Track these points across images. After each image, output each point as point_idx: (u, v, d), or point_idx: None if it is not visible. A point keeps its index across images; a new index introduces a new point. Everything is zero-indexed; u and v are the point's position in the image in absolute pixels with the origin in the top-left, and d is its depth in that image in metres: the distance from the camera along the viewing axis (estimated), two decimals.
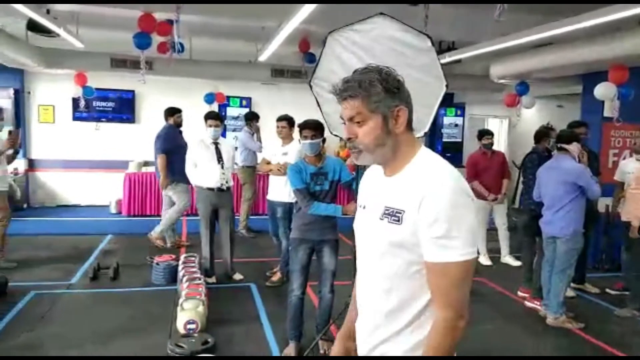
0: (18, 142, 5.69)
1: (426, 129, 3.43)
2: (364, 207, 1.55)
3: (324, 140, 3.71)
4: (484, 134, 6.21)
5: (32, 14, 5.19)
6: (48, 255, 6.00)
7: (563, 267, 4.25)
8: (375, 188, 1.52)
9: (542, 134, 5.20)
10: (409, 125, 1.45)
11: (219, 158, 5.15)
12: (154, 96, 9.24)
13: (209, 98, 9.13)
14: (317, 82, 3.41)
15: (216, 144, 5.22)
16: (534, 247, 4.99)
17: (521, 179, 5.26)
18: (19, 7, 4.74)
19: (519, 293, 5.10)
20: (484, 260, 6.23)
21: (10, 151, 5.58)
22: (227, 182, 5.18)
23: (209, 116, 5.32)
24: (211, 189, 5.13)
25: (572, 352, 3.96)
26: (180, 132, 6.56)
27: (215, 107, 9.44)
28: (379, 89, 1.38)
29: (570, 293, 4.97)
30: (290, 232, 3.71)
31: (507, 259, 6.26)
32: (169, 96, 9.23)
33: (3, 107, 8.70)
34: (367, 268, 1.51)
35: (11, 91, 8.78)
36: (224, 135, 9.08)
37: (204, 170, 5.17)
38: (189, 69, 8.10)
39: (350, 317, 1.70)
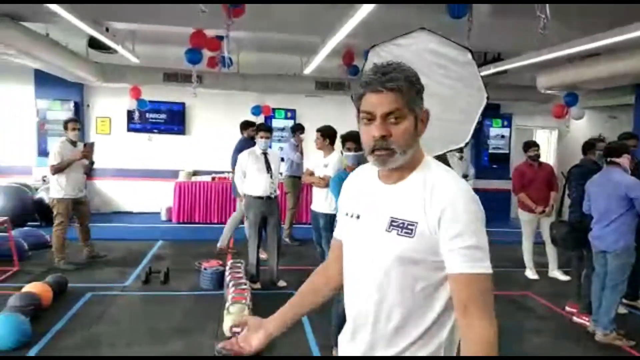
0: (92, 154, 6.04)
1: (467, 140, 3.46)
2: (357, 217, 1.41)
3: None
4: (530, 145, 6.12)
5: (92, 32, 5.56)
6: (105, 259, 6.33)
7: (614, 282, 4.14)
8: (372, 196, 1.39)
9: (589, 145, 5.09)
10: None
11: (268, 168, 5.33)
12: (203, 108, 9.62)
13: (256, 110, 9.39)
14: None
15: (265, 154, 5.41)
16: (581, 261, 4.88)
17: (566, 192, 5.16)
18: (81, 25, 5.08)
19: (567, 308, 4.98)
20: (531, 274, 6.12)
21: (85, 162, 5.96)
22: (275, 190, 5.36)
23: (260, 128, 5.53)
24: (260, 198, 5.31)
25: None
26: (254, 144, 6.66)
27: (261, 119, 9.71)
28: (419, 86, 1.31)
29: (622, 310, 4.82)
30: None
31: (555, 273, 6.12)
32: (218, 108, 9.62)
33: (63, 119, 9.28)
34: (366, 283, 1.36)
35: (72, 104, 9.34)
36: (269, 147, 9.36)
37: (253, 180, 5.36)
38: (236, 83, 8.40)
39: (291, 300, 1.59)
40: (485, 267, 1.25)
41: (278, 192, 5.49)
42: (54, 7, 4.32)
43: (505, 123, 10.83)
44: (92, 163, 6.13)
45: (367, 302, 1.36)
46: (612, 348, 4.15)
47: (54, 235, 5.85)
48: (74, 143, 5.96)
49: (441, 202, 1.25)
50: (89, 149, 5.98)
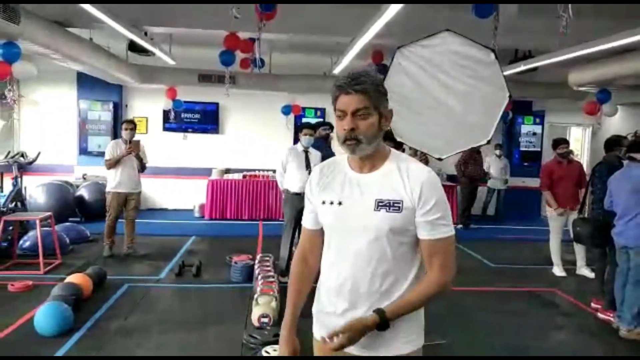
0: (136, 151, 6.37)
1: (489, 137, 3.53)
2: (340, 203, 1.63)
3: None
4: (559, 142, 6.09)
5: (132, 36, 5.84)
6: (141, 253, 6.62)
7: (637, 278, 4.12)
8: (350, 184, 1.64)
9: (613, 142, 5.06)
10: None
11: (307, 165, 5.48)
12: (236, 108, 9.89)
13: (286, 110, 9.58)
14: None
15: (306, 151, 5.55)
16: (604, 257, 4.85)
17: (590, 188, 5.13)
18: (122, 30, 5.35)
19: (592, 305, 4.95)
20: (558, 271, 6.09)
21: (134, 159, 6.33)
22: None
23: (304, 126, 5.72)
24: (297, 194, 5.44)
25: None
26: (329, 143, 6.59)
27: (291, 118, 9.90)
28: (382, 89, 1.60)
29: None
30: None
31: (583, 270, 6.06)
32: (250, 108, 9.86)
33: (103, 119, 9.71)
34: (360, 257, 1.59)
35: (111, 105, 9.74)
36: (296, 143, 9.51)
37: (292, 176, 5.50)
38: (268, 83, 8.59)
39: (294, 301, 1.82)
40: (447, 232, 1.58)
41: None
42: (99, 13, 4.57)
43: (538, 120, 10.69)
44: (140, 159, 6.44)
45: (363, 272, 1.60)
46: (637, 343, 4.13)
47: (106, 223, 6.39)
48: (126, 142, 6.39)
49: (417, 183, 1.56)
50: (133, 146, 6.35)
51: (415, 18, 4.82)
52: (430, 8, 5.14)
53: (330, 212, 1.66)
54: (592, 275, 5.84)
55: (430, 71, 3.57)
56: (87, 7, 4.45)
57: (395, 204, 1.56)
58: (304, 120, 10.15)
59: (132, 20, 5.53)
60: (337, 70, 7.95)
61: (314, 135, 5.59)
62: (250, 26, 5.16)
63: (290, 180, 5.52)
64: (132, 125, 6.47)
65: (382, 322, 1.54)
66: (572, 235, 5.26)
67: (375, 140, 1.59)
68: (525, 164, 10.52)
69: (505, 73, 7.49)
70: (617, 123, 9.65)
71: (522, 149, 10.65)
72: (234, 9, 3.90)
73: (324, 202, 1.67)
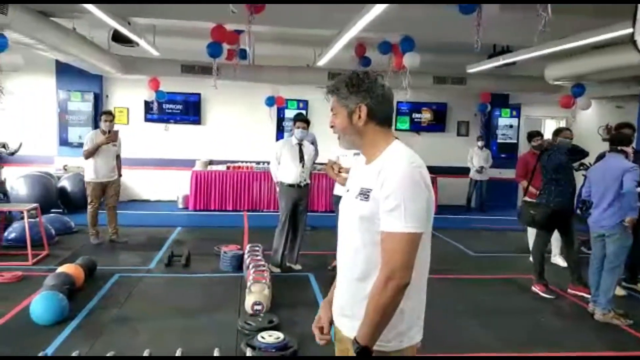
0: (114, 140, 6.60)
1: None
2: (347, 190, 1.80)
3: None
4: (533, 135, 6.36)
5: (119, 26, 5.81)
6: (128, 244, 6.67)
7: (612, 265, 4.38)
8: (356, 174, 1.80)
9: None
10: (379, 121, 1.71)
11: (301, 157, 5.57)
12: (219, 99, 9.89)
13: (270, 101, 9.62)
14: None
15: (300, 144, 5.62)
16: (571, 246, 5.25)
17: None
18: (109, 20, 5.33)
19: (569, 290, 5.22)
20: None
21: (113, 148, 6.59)
22: (305, 179, 5.59)
23: (297, 118, 5.75)
24: (292, 185, 5.54)
25: (619, 347, 4.09)
26: None
27: (274, 110, 9.96)
28: (344, 90, 1.71)
29: (621, 292, 5.06)
30: None
31: (557, 259, 6.33)
32: (233, 99, 9.89)
33: (84, 110, 9.61)
34: (343, 241, 1.77)
35: (91, 95, 9.65)
36: (281, 136, 9.60)
37: (286, 168, 5.57)
38: (251, 74, 8.60)
39: (334, 286, 1.89)
40: (395, 226, 1.54)
41: (309, 180, 5.72)
42: (89, 5, 4.56)
43: (514, 113, 11.00)
44: (114, 147, 6.64)
45: (343, 257, 1.77)
46: (611, 326, 4.40)
47: (88, 213, 6.57)
48: (104, 132, 6.52)
49: (386, 172, 1.60)
50: (112, 135, 6.52)
51: (402, 12, 4.94)
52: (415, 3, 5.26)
53: (342, 199, 1.83)
54: (564, 264, 6.10)
55: None
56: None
57: (367, 193, 1.62)
58: (286, 112, 10.26)
59: (120, 12, 5.52)
60: (321, 63, 8.03)
61: (307, 128, 5.67)
62: (236, 18, 5.20)
63: (284, 173, 5.61)
64: (111, 116, 6.68)
65: (359, 350, 1.56)
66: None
67: (348, 135, 1.74)
68: (503, 155, 10.81)
69: (485, 67, 7.78)
70: (591, 115, 10.00)
71: (499, 140, 10.96)
72: (232, 5, 3.95)
73: (346, 190, 1.83)
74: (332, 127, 1.78)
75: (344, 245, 1.77)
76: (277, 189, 5.77)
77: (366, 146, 1.73)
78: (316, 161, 6.85)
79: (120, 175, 6.90)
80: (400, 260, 1.53)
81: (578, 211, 4.90)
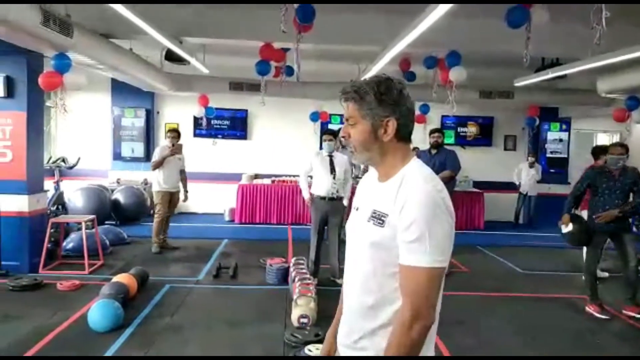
0: (179, 153, 7.16)
1: None
2: (357, 209, 1.60)
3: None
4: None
5: (170, 45, 6.07)
6: (178, 255, 6.89)
7: None
8: (368, 192, 1.60)
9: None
10: (402, 137, 1.52)
11: (332, 169, 5.64)
12: (265, 115, 10.10)
13: (314, 116, 9.76)
14: None
15: (331, 156, 5.71)
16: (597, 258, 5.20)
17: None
18: (164, 41, 5.59)
19: (624, 312, 5.03)
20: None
21: (177, 159, 7.09)
22: (337, 191, 5.64)
23: (325, 132, 6.00)
24: (323, 198, 5.62)
25: None
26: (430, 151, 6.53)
27: (318, 124, 10.09)
28: (371, 98, 1.47)
29: None
30: None
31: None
32: (278, 115, 10.07)
33: (136, 126, 10.03)
34: (352, 267, 1.58)
35: (143, 111, 10.06)
36: (321, 148, 9.68)
37: (317, 180, 5.68)
38: (297, 90, 8.75)
39: (337, 315, 1.74)
40: (418, 261, 1.38)
41: (342, 194, 5.73)
42: (143, 24, 4.80)
43: (564, 127, 10.70)
44: (179, 161, 7.18)
45: (351, 284, 1.57)
46: None
47: (154, 221, 7.06)
48: (171, 146, 7.16)
49: (404, 196, 1.41)
50: (176, 148, 7.10)
51: (446, 26, 4.94)
52: (461, 17, 5.25)
53: (351, 217, 1.65)
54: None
55: None
56: (134, 19, 4.69)
57: (382, 218, 1.44)
58: (330, 127, 10.35)
59: (172, 31, 5.77)
60: (364, 78, 8.08)
61: (334, 141, 5.74)
62: (283, 36, 5.34)
63: (316, 185, 5.70)
64: (175, 133, 7.25)
65: None
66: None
67: (367, 151, 1.53)
68: (552, 170, 10.52)
69: (534, 80, 7.63)
70: None
71: (549, 155, 10.66)
72: (282, 23, 4.08)
73: (354, 207, 1.66)
74: (343, 137, 1.58)
75: (352, 271, 1.58)
76: (307, 203, 5.86)
77: (385, 164, 1.53)
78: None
79: (186, 191, 7.32)
80: (425, 299, 1.39)
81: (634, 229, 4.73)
